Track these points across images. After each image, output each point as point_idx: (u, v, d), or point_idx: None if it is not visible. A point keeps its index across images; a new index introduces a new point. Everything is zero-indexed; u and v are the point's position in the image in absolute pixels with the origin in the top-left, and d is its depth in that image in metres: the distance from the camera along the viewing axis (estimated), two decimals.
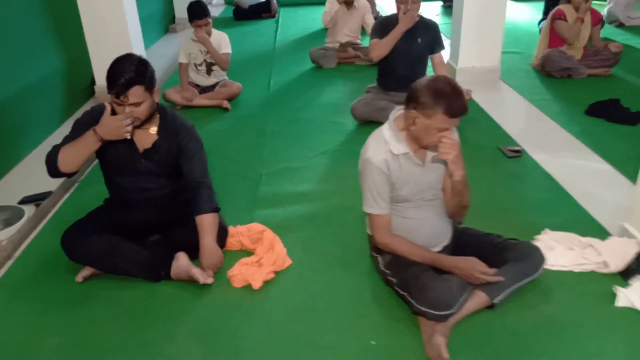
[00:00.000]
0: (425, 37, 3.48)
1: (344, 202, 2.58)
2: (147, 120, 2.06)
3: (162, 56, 5.50)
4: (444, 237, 1.95)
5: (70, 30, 3.92)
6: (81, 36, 4.01)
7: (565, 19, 4.26)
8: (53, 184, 2.83)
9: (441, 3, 7.94)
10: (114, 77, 1.91)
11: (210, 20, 3.87)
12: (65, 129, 3.68)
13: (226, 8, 8.43)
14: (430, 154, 1.86)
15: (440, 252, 1.92)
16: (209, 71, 4.04)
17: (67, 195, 2.76)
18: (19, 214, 2.50)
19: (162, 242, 2.20)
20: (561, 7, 4.33)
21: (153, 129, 2.12)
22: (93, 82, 4.22)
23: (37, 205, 2.63)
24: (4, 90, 3.05)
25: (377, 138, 1.87)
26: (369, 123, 3.49)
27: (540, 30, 5.70)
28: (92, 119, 2.06)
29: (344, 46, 5.02)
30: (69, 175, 2.04)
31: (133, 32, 4.20)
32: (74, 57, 3.95)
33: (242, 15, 7.38)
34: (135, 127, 2.02)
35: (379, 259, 1.93)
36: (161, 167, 2.16)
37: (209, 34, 3.89)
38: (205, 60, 3.99)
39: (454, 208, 1.90)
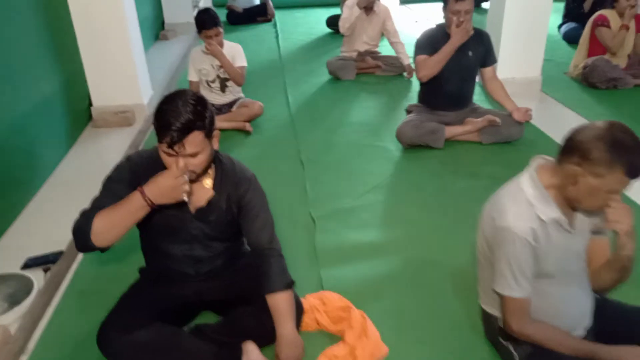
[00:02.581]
0: (476, 50, 3.10)
1: (422, 254, 2.17)
2: (202, 172, 1.61)
3: (157, 68, 4.92)
4: (590, 316, 1.56)
5: (65, 45, 3.38)
6: (76, 50, 3.49)
7: (608, 26, 3.94)
8: (64, 237, 2.33)
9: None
10: (166, 120, 1.45)
11: (221, 29, 3.39)
12: (68, 162, 3.16)
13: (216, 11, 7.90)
14: (579, 216, 1.46)
15: (585, 336, 1.53)
16: (223, 88, 3.57)
17: (82, 255, 2.27)
18: (27, 286, 2.00)
19: (222, 326, 1.74)
20: (603, 12, 4.01)
21: (207, 182, 1.67)
22: (90, 103, 3.69)
23: (46, 270, 2.14)
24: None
25: (515, 198, 1.45)
26: (416, 147, 3.09)
27: (562, 35, 5.44)
28: (132, 173, 1.59)
29: (362, 55, 4.60)
30: (103, 249, 1.56)
31: (135, 43, 3.69)
32: (70, 76, 3.42)
33: (236, 19, 6.87)
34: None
35: (514, 349, 1.52)
36: (217, 230, 1.71)
37: (221, 45, 3.42)
38: (218, 76, 3.52)
39: (609, 284, 1.52)
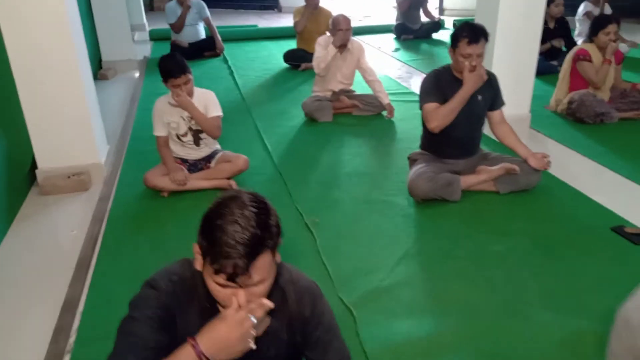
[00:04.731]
0: (486, 94, 2.86)
1: (496, 346, 1.81)
2: None
3: (103, 115, 4.31)
4: None
5: (4, 100, 2.78)
6: (14, 100, 2.89)
7: (590, 60, 3.90)
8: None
9: (393, 36, 7.48)
10: (225, 243, 1.03)
11: (191, 76, 2.93)
12: (7, 247, 2.49)
13: (154, 45, 7.34)
14: None
15: None
16: (197, 141, 3.08)
17: None
18: None
19: None
20: (584, 46, 3.97)
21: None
22: (34, 166, 3.07)
23: None
24: None
25: None
26: (431, 201, 2.77)
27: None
28: (164, 309, 1.13)
29: (337, 95, 4.29)
30: None
31: (88, 87, 3.13)
32: (6, 134, 2.81)
33: (181, 55, 6.32)
34: None
35: None
36: None
37: (190, 93, 2.96)
38: (190, 128, 3.03)
39: None
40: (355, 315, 1.96)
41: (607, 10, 5.72)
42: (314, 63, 4.11)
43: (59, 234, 2.64)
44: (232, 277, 1.03)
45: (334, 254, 2.37)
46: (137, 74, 5.83)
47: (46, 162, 3.04)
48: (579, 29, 5.84)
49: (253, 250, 1.03)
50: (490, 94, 2.88)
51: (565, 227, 2.57)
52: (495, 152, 3.08)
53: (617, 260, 2.30)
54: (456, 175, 2.82)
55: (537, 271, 2.24)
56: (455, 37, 2.72)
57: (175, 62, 2.90)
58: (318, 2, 5.62)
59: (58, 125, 3.00)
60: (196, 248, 1.12)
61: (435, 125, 2.75)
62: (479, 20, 3.66)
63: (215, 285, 1.06)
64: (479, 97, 2.84)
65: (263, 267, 1.06)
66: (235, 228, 1.03)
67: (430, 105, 2.77)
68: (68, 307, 2.04)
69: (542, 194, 2.88)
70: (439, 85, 2.80)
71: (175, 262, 1.23)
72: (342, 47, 4.11)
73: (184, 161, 3.10)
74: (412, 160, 3.05)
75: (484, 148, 3.08)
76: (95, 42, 5.92)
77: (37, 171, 3.04)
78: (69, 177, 3.02)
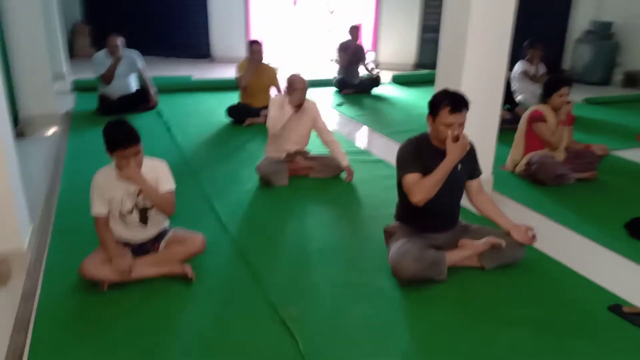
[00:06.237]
0: (465, 163, 2.70)
1: None
2: None
3: (23, 182, 3.70)
4: None
5: None
6: None
7: (545, 121, 3.92)
8: None
9: (334, 89, 7.36)
10: None
11: (141, 147, 2.53)
12: None
13: (78, 97, 6.71)
14: None
15: None
16: (143, 219, 2.64)
17: None
18: None
19: None
20: (539, 108, 3.99)
21: None
22: None
23: None
24: None
25: None
26: (416, 283, 2.51)
27: None
28: None
29: (291, 156, 4.00)
30: None
31: (9, 157, 2.62)
32: None
33: (110, 109, 5.76)
34: None
35: None
36: None
37: (140, 165, 2.55)
38: (136, 205, 2.60)
39: None
40: None
41: (542, 68, 5.96)
42: (269, 123, 3.82)
43: None
44: None
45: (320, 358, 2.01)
46: (60, 131, 5.23)
47: None
48: (516, 86, 6.03)
49: None
50: (470, 162, 2.73)
51: (562, 310, 2.39)
52: (473, 223, 2.90)
53: (622, 348, 2.14)
54: (442, 252, 2.59)
55: None
56: (435, 105, 2.56)
57: (124, 131, 2.47)
58: (262, 57, 5.41)
59: None
60: None
61: (420, 199, 2.52)
62: (441, 82, 3.57)
63: None
64: (459, 167, 2.67)
65: None
66: None
67: (412, 177, 2.55)
68: None
69: (527, 269, 2.71)
70: (418, 155, 2.60)
71: None
72: (297, 106, 3.86)
73: (125, 244, 2.64)
74: (389, 234, 2.79)
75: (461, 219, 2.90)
76: (11, 94, 5.26)
77: None
78: None
